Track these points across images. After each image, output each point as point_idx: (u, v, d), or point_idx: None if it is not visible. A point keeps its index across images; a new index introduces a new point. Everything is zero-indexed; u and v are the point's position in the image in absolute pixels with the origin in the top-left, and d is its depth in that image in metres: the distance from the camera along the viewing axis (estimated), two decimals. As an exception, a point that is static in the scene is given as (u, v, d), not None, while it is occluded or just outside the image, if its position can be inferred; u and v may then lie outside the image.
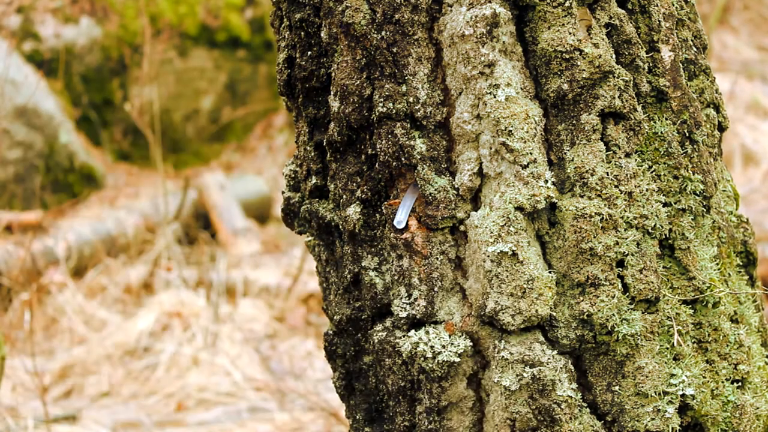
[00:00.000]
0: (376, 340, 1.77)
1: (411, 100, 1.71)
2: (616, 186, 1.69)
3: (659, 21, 1.77)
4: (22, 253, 5.92)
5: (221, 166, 9.52)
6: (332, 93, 1.78)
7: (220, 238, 7.57)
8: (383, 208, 1.76)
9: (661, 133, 1.74)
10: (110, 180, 9.10)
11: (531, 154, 1.67)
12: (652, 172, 1.73)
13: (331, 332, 1.88)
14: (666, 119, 1.75)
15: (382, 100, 1.72)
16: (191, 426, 4.45)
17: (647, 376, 1.69)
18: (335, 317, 1.85)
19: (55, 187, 8.04)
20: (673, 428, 1.69)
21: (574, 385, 1.69)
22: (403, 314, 1.72)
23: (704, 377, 1.73)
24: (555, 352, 1.68)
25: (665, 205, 1.74)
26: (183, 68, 9.78)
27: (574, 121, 1.70)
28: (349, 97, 1.75)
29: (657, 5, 1.77)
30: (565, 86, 1.69)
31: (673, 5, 1.81)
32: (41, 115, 7.88)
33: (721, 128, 1.88)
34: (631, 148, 1.72)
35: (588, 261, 1.67)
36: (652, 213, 1.71)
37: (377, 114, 1.72)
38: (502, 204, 1.67)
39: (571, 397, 1.68)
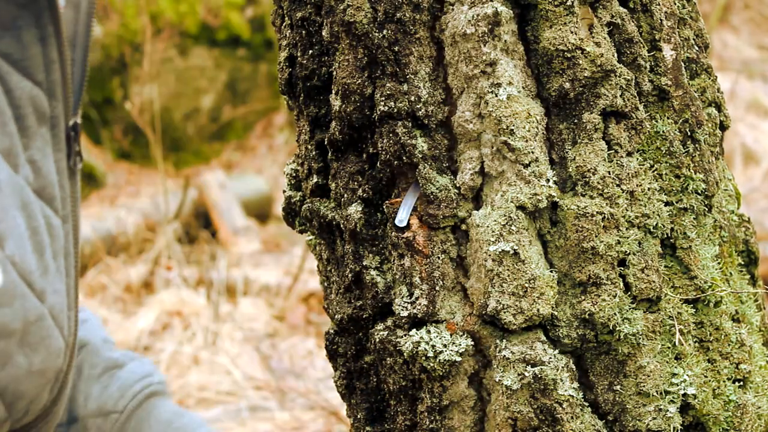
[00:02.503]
0: (377, 340, 1.76)
1: (412, 99, 1.71)
2: (617, 185, 1.69)
3: (661, 20, 1.76)
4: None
5: (221, 165, 9.52)
6: (333, 92, 1.78)
7: (221, 237, 7.57)
8: (384, 207, 1.76)
9: (663, 132, 1.74)
10: (110, 179, 9.11)
11: (532, 153, 1.67)
12: (653, 171, 1.73)
13: (332, 331, 1.88)
14: (668, 118, 1.75)
15: (383, 99, 1.71)
16: (192, 425, 4.44)
17: (649, 376, 1.69)
18: (336, 316, 1.85)
19: (56, 185, 8.02)
20: (674, 427, 1.69)
21: (576, 385, 1.69)
22: (405, 313, 1.72)
23: (706, 376, 1.73)
24: (556, 351, 1.68)
25: (667, 204, 1.74)
26: (183, 67, 9.78)
27: (575, 120, 1.70)
28: (351, 95, 1.74)
29: (659, 4, 1.77)
30: (567, 85, 1.69)
31: (675, 4, 1.81)
32: (41, 113, 7.86)
33: (723, 127, 1.88)
34: (632, 147, 1.72)
35: (589, 260, 1.67)
36: (653, 212, 1.71)
37: (379, 113, 1.72)
38: (503, 203, 1.67)
39: (572, 396, 1.68)
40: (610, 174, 1.69)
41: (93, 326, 1.53)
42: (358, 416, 1.87)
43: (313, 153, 1.87)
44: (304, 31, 1.83)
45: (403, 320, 1.73)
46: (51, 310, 1.11)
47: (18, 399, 1.09)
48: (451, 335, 1.71)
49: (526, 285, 1.66)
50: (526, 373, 1.66)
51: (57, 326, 1.13)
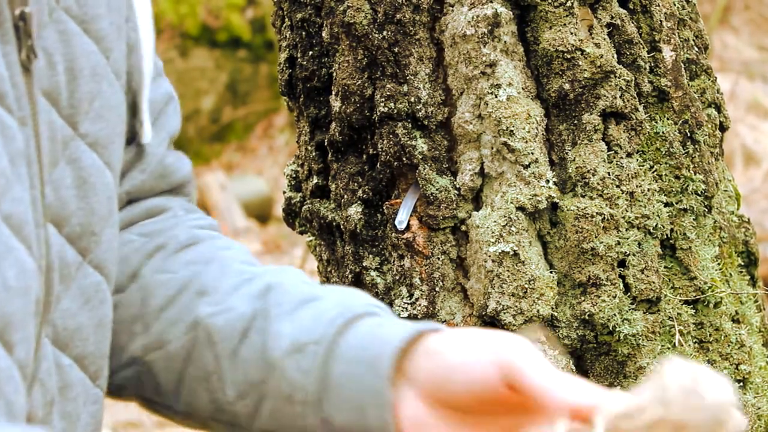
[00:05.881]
0: (377, 340, 1.76)
1: (412, 100, 1.71)
2: (617, 186, 1.69)
3: (661, 21, 1.77)
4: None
5: (222, 166, 9.51)
6: (333, 93, 1.78)
7: (221, 238, 7.54)
8: (384, 208, 1.76)
9: (663, 133, 1.74)
10: (111, 180, 9.08)
11: (532, 154, 1.67)
12: (653, 172, 1.73)
13: (332, 332, 1.88)
14: (667, 119, 1.75)
15: (383, 100, 1.72)
16: (192, 426, 4.44)
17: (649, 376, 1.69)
18: (336, 317, 1.85)
19: (56, 187, 8.04)
20: (674, 428, 1.69)
21: (576, 385, 1.69)
22: (405, 314, 1.72)
23: (706, 377, 1.72)
24: (556, 352, 1.68)
25: (667, 205, 1.74)
26: (184, 68, 9.79)
27: (575, 121, 1.70)
28: (351, 97, 1.75)
29: (658, 5, 1.77)
30: (567, 86, 1.69)
31: (675, 5, 1.81)
32: (42, 115, 7.88)
33: (723, 128, 1.88)
34: (632, 148, 1.72)
35: (589, 261, 1.67)
36: (653, 213, 1.71)
37: (378, 114, 1.72)
38: (503, 204, 1.67)
39: (572, 397, 1.68)
40: (609, 175, 1.69)
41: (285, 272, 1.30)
42: (359, 417, 1.87)
43: (313, 154, 1.87)
44: (304, 33, 1.83)
45: (403, 321, 1.73)
46: (8, 220, 0.98)
47: (7, 327, 0.98)
48: (451, 336, 1.71)
49: (526, 286, 1.66)
50: (526, 374, 1.66)
51: (20, 240, 1.00)
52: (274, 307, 1.22)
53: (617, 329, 1.68)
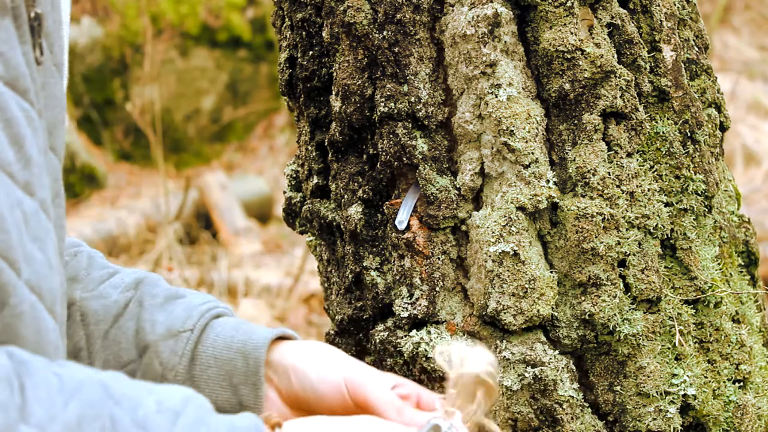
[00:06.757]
0: (377, 340, 1.77)
1: (413, 99, 1.71)
2: (617, 186, 1.69)
3: (661, 21, 1.77)
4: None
5: (222, 166, 9.51)
6: (334, 93, 1.78)
7: (222, 237, 7.56)
8: (385, 208, 1.76)
9: (663, 133, 1.74)
10: (111, 180, 9.11)
11: (533, 154, 1.67)
12: (653, 172, 1.73)
13: (332, 332, 1.88)
14: (668, 119, 1.75)
15: (383, 99, 1.72)
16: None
17: (649, 376, 1.69)
18: (337, 317, 1.85)
19: (57, 186, 8.02)
20: (674, 428, 1.69)
21: (576, 385, 1.69)
22: (405, 314, 1.72)
23: (706, 377, 1.73)
24: (557, 352, 1.68)
25: (667, 205, 1.74)
26: (184, 68, 9.79)
27: (575, 121, 1.70)
28: (351, 96, 1.75)
29: (659, 5, 1.77)
30: (567, 86, 1.69)
31: (675, 5, 1.81)
32: (42, 114, 7.86)
33: (723, 128, 1.88)
34: (632, 148, 1.72)
35: (590, 261, 1.67)
36: (653, 213, 1.71)
37: (379, 114, 1.72)
38: (503, 204, 1.67)
39: (572, 397, 1.68)
40: (610, 175, 1.69)
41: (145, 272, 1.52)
42: (359, 417, 1.87)
43: (314, 154, 1.87)
44: (304, 33, 1.83)
45: (404, 321, 1.73)
46: (42, 205, 1.09)
47: (54, 300, 1.08)
48: (451, 336, 1.71)
49: (526, 286, 1.66)
50: (527, 374, 1.67)
51: (50, 222, 1.11)
52: (148, 298, 1.44)
53: (617, 329, 1.68)
